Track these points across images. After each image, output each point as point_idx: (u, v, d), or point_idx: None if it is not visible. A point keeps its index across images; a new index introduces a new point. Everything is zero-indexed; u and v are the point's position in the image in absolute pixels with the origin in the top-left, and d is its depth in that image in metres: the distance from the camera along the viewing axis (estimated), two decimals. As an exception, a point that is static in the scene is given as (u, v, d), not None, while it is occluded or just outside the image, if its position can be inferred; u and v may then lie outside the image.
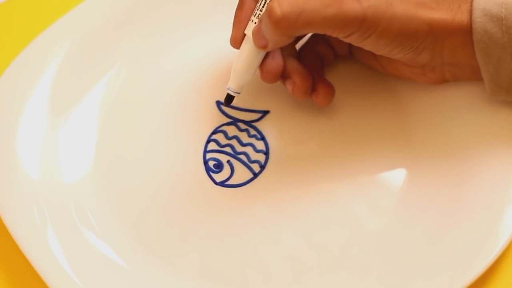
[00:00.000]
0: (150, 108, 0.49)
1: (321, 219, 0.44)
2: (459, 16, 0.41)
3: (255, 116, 0.48)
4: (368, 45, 0.41)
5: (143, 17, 0.51)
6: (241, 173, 0.46)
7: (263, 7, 0.42)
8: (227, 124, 0.48)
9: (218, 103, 0.49)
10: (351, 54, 0.48)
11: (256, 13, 0.43)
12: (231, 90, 0.45)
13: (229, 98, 0.45)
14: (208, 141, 0.47)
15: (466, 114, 0.45)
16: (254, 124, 0.48)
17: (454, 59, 0.43)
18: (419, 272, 0.41)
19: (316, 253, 0.43)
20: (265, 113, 0.48)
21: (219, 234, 0.44)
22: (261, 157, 0.46)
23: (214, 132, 0.47)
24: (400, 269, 0.41)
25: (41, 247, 0.42)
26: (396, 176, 0.45)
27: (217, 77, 0.50)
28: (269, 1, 0.41)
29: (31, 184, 0.44)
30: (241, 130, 0.47)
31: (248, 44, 0.43)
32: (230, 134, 0.47)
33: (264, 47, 0.42)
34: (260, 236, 0.44)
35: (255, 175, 0.46)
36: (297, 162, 0.46)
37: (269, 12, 0.40)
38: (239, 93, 0.45)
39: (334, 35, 0.41)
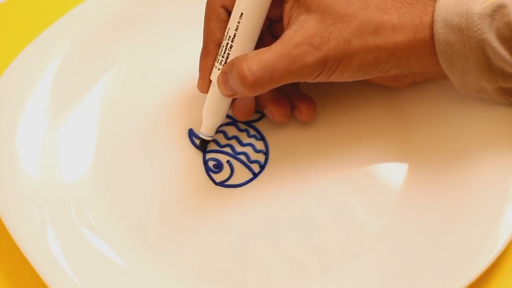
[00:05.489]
0: (150, 108, 0.49)
1: (321, 219, 0.44)
2: (421, 31, 0.41)
3: (255, 116, 0.48)
4: (334, 79, 0.42)
5: (143, 18, 0.51)
6: (241, 173, 0.46)
7: (224, 53, 0.43)
8: (227, 124, 0.48)
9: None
10: None
11: (219, 59, 0.43)
12: (203, 135, 0.46)
13: (203, 143, 0.46)
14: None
15: (466, 115, 0.45)
16: (253, 124, 0.48)
17: (422, 68, 0.43)
18: (418, 272, 0.41)
19: (315, 253, 0.43)
20: (264, 114, 0.48)
21: (219, 234, 0.44)
22: (260, 157, 0.46)
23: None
24: (400, 270, 0.41)
25: (40, 247, 0.42)
26: (396, 177, 0.45)
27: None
28: (237, 59, 0.41)
29: (30, 184, 0.44)
30: (240, 130, 0.47)
31: (214, 90, 0.44)
32: (230, 134, 0.47)
33: (231, 96, 0.43)
34: (260, 236, 0.43)
35: (255, 175, 0.46)
36: (297, 162, 0.46)
37: (241, 77, 0.40)
38: (212, 137, 0.46)
39: (303, 81, 0.42)
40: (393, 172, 0.45)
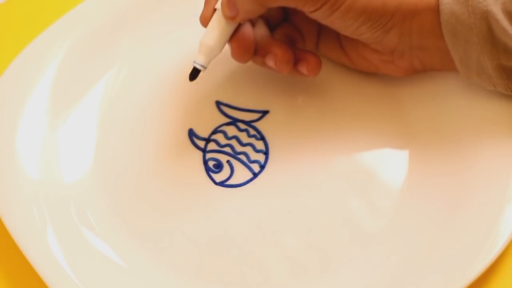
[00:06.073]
0: (150, 108, 0.49)
1: (321, 219, 0.44)
2: None
3: (255, 116, 0.48)
4: (336, 20, 0.41)
5: (143, 18, 0.51)
6: (241, 173, 0.46)
7: None
8: (227, 124, 0.48)
9: (218, 103, 0.49)
10: (317, 49, 0.48)
11: None
12: (198, 64, 0.44)
13: (195, 72, 0.44)
14: (207, 141, 0.47)
15: (466, 110, 0.45)
16: (253, 124, 0.48)
17: (422, 41, 0.43)
18: (419, 272, 0.41)
19: (315, 253, 0.43)
20: (264, 113, 0.48)
21: (219, 234, 0.44)
22: (260, 157, 0.46)
23: (214, 132, 0.47)
24: (400, 269, 0.41)
25: (40, 247, 0.42)
26: (396, 177, 0.45)
27: (216, 77, 0.50)
28: None
29: (31, 184, 0.44)
30: (240, 130, 0.47)
31: (217, 17, 0.43)
32: (230, 134, 0.47)
33: (233, 18, 0.42)
34: (260, 236, 0.44)
35: (255, 175, 0.46)
36: (297, 162, 0.46)
37: None
38: (205, 68, 0.44)
39: (304, 8, 0.41)
40: (393, 172, 0.45)
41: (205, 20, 0.44)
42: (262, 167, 0.46)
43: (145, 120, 0.48)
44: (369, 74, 0.48)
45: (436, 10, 0.41)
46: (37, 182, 0.44)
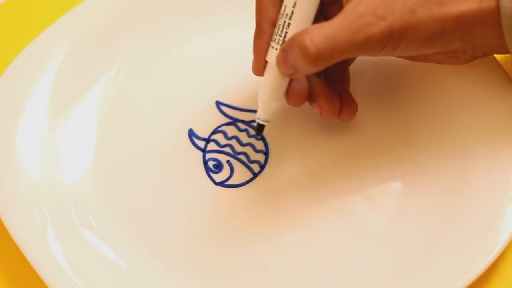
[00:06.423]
0: (150, 108, 0.49)
1: (321, 219, 0.44)
2: (486, 2, 0.40)
3: (255, 116, 0.48)
4: (398, 53, 0.41)
5: (143, 18, 0.51)
6: (241, 173, 0.46)
7: (282, 32, 0.41)
8: (227, 124, 0.48)
9: (218, 103, 0.49)
10: None
11: (275, 39, 0.42)
12: (260, 120, 0.44)
13: (260, 127, 0.45)
14: (207, 141, 0.47)
15: (466, 115, 0.45)
16: (253, 124, 0.48)
17: (486, 41, 0.42)
18: (419, 273, 0.41)
19: (315, 253, 0.43)
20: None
21: (219, 234, 0.44)
22: (260, 157, 0.46)
23: (214, 132, 0.47)
24: (400, 270, 0.41)
25: (40, 247, 0.42)
26: (396, 177, 0.45)
27: (216, 77, 0.50)
28: (298, 34, 0.40)
29: (30, 184, 0.44)
30: (240, 130, 0.47)
31: (271, 71, 0.42)
32: (230, 134, 0.47)
33: (292, 75, 0.42)
34: (260, 236, 0.44)
35: (255, 175, 0.46)
36: (297, 162, 0.46)
37: (303, 49, 0.39)
38: (269, 121, 0.44)
39: (367, 55, 0.41)
40: (393, 173, 0.45)
41: (258, 72, 0.43)
42: (262, 167, 0.46)
43: (145, 120, 0.48)
44: (370, 77, 0.48)
45: (496, 13, 0.40)
46: (37, 183, 0.44)
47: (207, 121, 0.48)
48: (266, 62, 0.43)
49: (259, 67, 0.43)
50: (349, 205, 0.44)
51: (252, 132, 0.47)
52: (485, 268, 0.40)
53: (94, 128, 0.48)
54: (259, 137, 0.45)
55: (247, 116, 0.48)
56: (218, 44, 0.51)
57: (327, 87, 0.44)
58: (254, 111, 0.48)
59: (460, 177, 0.43)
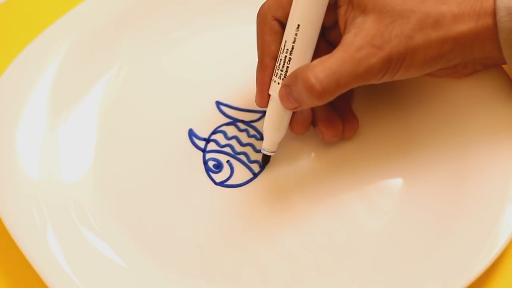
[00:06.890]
0: (150, 108, 0.49)
1: (320, 219, 0.44)
2: (482, 17, 0.41)
3: (255, 116, 0.48)
4: (399, 78, 0.42)
5: (143, 17, 0.51)
6: (241, 173, 0.46)
7: (283, 67, 0.42)
8: (227, 124, 0.48)
9: (218, 103, 0.49)
10: None
11: (277, 73, 0.42)
12: (266, 151, 0.45)
13: (266, 159, 0.45)
14: (207, 141, 0.47)
15: (467, 111, 0.45)
16: (253, 124, 0.48)
17: (485, 54, 0.42)
18: (418, 273, 0.41)
19: (315, 253, 0.43)
20: (264, 113, 0.48)
21: (219, 234, 0.44)
22: (260, 157, 0.46)
23: (214, 132, 0.47)
24: (400, 270, 0.41)
25: (40, 247, 0.42)
26: (396, 177, 0.45)
27: (217, 77, 0.50)
28: (301, 71, 0.40)
29: (30, 184, 0.44)
30: (240, 130, 0.47)
31: (274, 104, 0.43)
32: (230, 134, 0.47)
33: (295, 109, 0.42)
34: (259, 236, 0.44)
35: (255, 175, 0.46)
36: (297, 162, 0.46)
37: (308, 87, 0.39)
38: (274, 152, 0.45)
39: (368, 83, 0.41)
40: (393, 173, 0.45)
41: (261, 105, 0.44)
42: (262, 167, 0.46)
43: (145, 120, 0.48)
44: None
45: (494, 28, 0.41)
46: (37, 182, 0.44)
47: (207, 121, 0.48)
48: (269, 95, 0.43)
49: (263, 100, 0.44)
50: (350, 205, 0.44)
51: (252, 132, 0.47)
52: (485, 268, 0.40)
53: (94, 128, 0.48)
54: (264, 166, 0.46)
55: (247, 116, 0.48)
56: (218, 44, 0.51)
57: (328, 112, 0.45)
58: (254, 111, 0.48)
59: (460, 179, 0.43)
